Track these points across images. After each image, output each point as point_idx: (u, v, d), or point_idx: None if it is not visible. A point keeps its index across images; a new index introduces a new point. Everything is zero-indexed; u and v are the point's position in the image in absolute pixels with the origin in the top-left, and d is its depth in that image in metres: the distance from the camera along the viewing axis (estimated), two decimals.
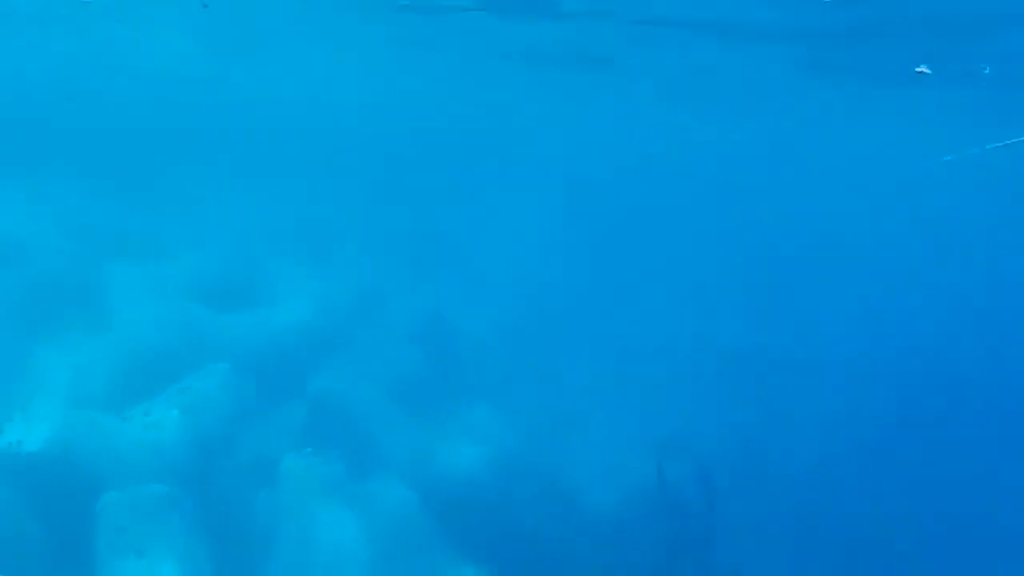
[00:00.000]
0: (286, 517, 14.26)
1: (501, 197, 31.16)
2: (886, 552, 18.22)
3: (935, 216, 42.10)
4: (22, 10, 22.84)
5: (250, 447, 15.31)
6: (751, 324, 22.80)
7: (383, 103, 36.30)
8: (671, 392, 18.87)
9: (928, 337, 24.52)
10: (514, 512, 15.59)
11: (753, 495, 17.68)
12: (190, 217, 20.44)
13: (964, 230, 41.47)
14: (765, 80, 21.41)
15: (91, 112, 30.97)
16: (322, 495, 14.62)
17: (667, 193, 41.16)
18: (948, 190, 36.98)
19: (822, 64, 18.89)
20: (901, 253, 33.69)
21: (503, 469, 16.12)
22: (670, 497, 16.27)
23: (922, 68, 16.36)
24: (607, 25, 17.24)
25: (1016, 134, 17.17)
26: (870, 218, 42.07)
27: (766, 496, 17.50)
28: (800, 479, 18.22)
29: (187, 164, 23.72)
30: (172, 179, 22.53)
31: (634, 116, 30.48)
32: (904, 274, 29.21)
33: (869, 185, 43.40)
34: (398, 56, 23.90)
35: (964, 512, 18.25)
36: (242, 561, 13.52)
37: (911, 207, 43.32)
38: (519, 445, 16.70)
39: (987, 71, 16.12)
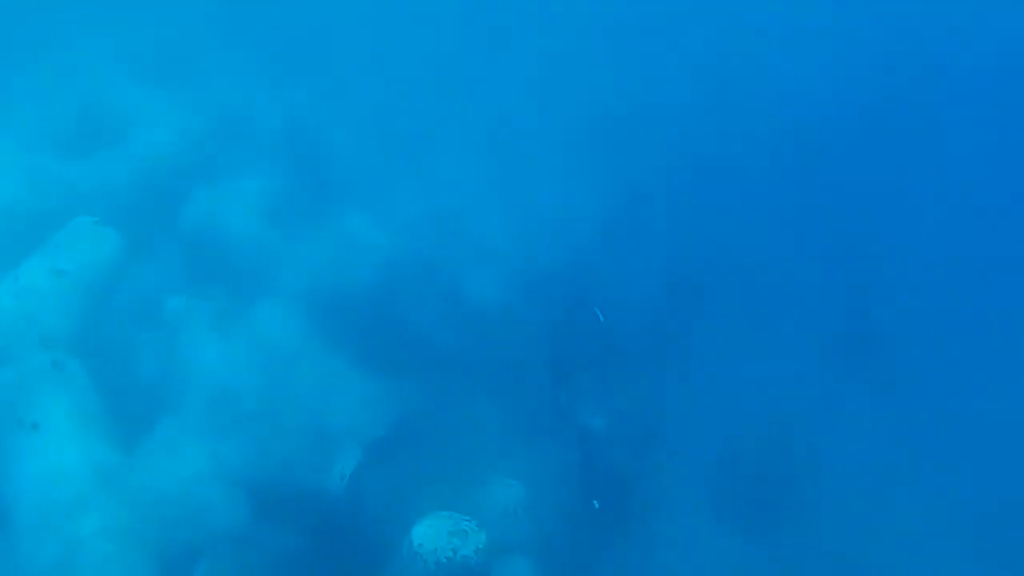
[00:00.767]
0: (175, 359, 14.53)
1: None
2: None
3: None
4: None
5: (130, 296, 15.33)
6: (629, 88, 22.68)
7: None
8: (548, 172, 19.09)
9: None
10: (403, 317, 16.01)
11: (631, 260, 18.36)
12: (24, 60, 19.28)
13: None
14: None
15: None
16: (208, 331, 14.86)
17: None
18: None
19: None
20: None
21: (388, 276, 16.33)
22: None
23: None
24: None
25: None
26: None
27: (644, 264, 18.20)
28: (676, 241, 18.94)
29: None
30: None
31: None
32: None
33: None
34: None
35: None
36: (139, 412, 13.87)
37: None
38: (402, 249, 16.79)
39: None
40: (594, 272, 17.57)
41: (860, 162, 22.38)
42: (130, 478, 12.75)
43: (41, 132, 17.57)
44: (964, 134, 23.69)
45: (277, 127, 19.02)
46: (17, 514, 12.28)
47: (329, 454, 13.94)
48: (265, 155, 18.17)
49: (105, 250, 15.10)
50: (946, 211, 21.61)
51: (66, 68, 19.22)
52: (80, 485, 12.44)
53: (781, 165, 21.41)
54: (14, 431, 12.74)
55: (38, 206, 15.89)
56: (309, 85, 20.49)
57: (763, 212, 20.25)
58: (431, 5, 23.71)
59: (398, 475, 14.09)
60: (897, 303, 19.68)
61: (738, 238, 19.46)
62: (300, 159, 18.20)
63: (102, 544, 12.03)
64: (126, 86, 18.95)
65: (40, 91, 18.52)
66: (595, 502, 14.65)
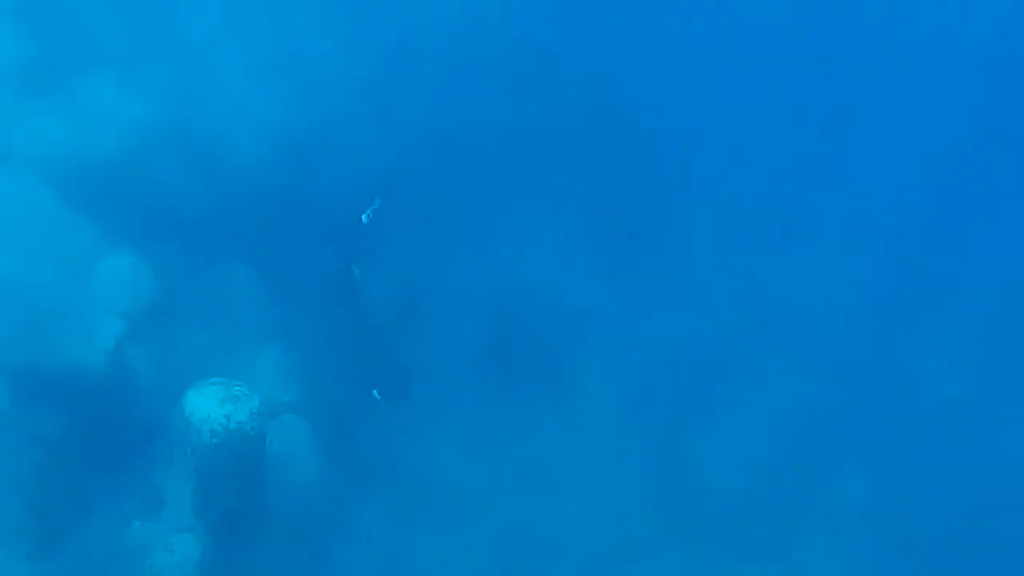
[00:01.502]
0: None
1: None
2: None
3: None
4: None
5: None
6: None
7: None
8: (307, 27, 18.42)
9: None
10: (158, 185, 15.57)
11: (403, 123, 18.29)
12: None
13: None
14: None
15: None
16: None
17: None
18: None
19: None
20: None
21: (139, 142, 15.68)
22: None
23: None
24: None
25: None
26: None
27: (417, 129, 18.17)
28: None
29: None
30: None
31: None
32: None
33: None
34: None
35: None
36: None
37: None
38: (153, 114, 16.03)
39: None
40: (359, 135, 17.45)
41: (655, 40, 22.09)
42: None
43: None
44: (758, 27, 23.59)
45: None
46: None
47: (90, 330, 13.71)
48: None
49: None
50: (734, 105, 22.12)
51: None
52: None
53: (574, 25, 20.70)
54: None
55: None
56: None
57: (550, 82, 20.07)
58: None
59: (164, 345, 14.06)
60: (673, 192, 20.57)
61: (520, 105, 19.52)
62: (34, 20, 16.82)
63: None
64: None
65: None
66: (375, 392, 15.16)
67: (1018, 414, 18.57)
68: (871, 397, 18.71)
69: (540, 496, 15.53)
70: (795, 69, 20.89)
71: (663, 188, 20.55)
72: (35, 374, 12.99)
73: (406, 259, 16.74)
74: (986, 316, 19.46)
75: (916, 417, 18.41)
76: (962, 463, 17.80)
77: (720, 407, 17.78)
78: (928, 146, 20.59)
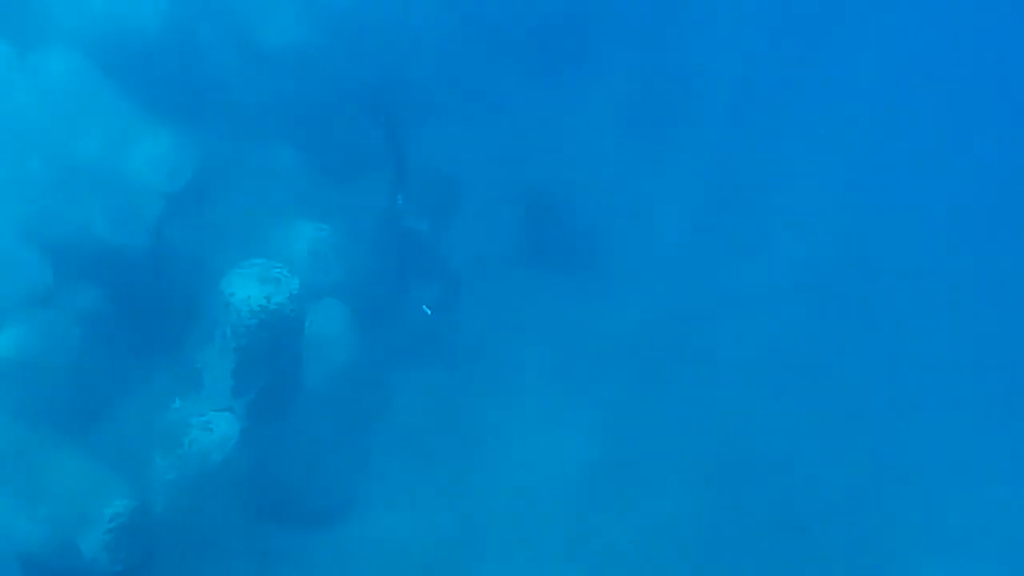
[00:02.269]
0: None
1: None
2: None
3: None
4: None
5: None
6: None
7: None
8: None
9: None
10: (199, 63, 15.32)
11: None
12: None
13: None
14: None
15: None
16: None
17: None
18: None
19: None
20: None
21: (181, 18, 15.36)
22: None
23: None
24: None
25: None
26: None
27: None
28: None
29: None
30: None
31: None
32: None
33: None
34: None
35: None
36: None
37: None
38: None
39: None
40: (392, 14, 17.00)
41: None
42: None
43: None
44: None
45: None
46: None
47: (130, 208, 13.61)
48: None
49: None
50: None
51: None
52: None
53: None
54: None
55: None
56: None
57: None
58: None
59: (204, 225, 13.96)
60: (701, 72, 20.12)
61: None
62: None
63: None
64: None
65: None
66: (425, 308, 15.02)
67: None
68: None
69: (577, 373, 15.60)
70: None
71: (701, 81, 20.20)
72: (76, 251, 12.97)
73: (445, 139, 16.43)
74: None
75: None
76: None
77: (747, 298, 17.42)
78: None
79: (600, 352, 16.01)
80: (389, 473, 13.68)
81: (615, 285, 17.16)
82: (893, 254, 19.45)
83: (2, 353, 12.07)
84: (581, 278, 17.03)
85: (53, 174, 13.43)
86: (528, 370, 15.45)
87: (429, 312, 15.07)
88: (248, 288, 12.20)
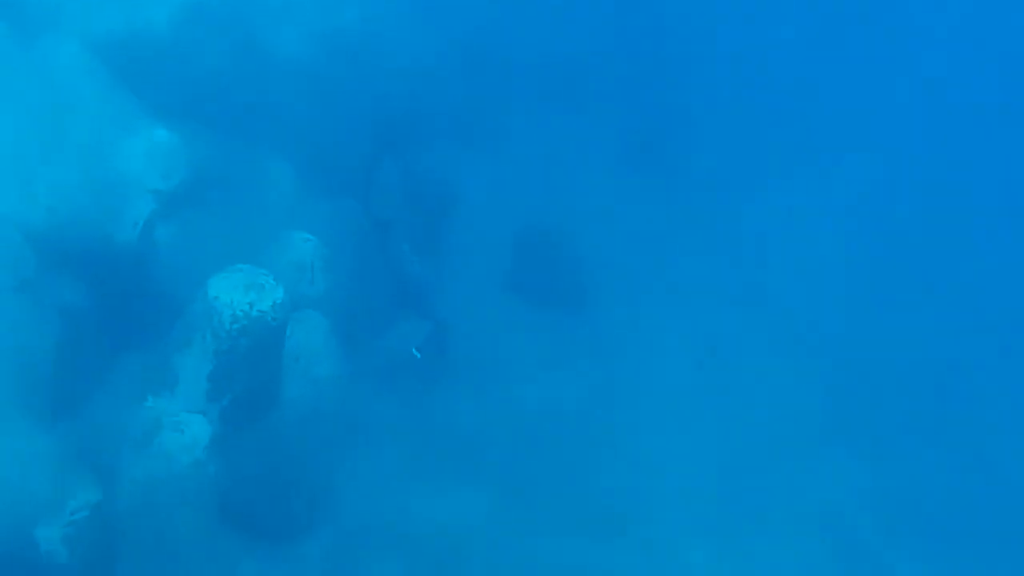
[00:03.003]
0: None
1: None
2: None
3: None
4: None
5: None
6: None
7: None
8: None
9: None
10: (199, 65, 15.33)
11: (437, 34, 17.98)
12: None
13: None
14: None
15: None
16: None
17: None
18: None
19: None
20: None
21: (185, 19, 15.44)
22: None
23: None
24: None
25: None
26: None
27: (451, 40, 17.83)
28: None
29: None
30: None
31: None
32: None
33: None
34: None
35: None
36: None
37: None
38: None
39: None
40: (394, 35, 17.16)
41: None
42: None
43: None
44: None
45: None
46: None
47: (120, 203, 13.56)
48: None
49: None
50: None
51: None
52: None
53: None
54: None
55: None
56: None
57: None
58: None
59: (192, 227, 13.92)
60: (694, 109, 20.38)
61: (551, 18, 19.33)
62: None
63: None
64: None
65: None
66: (415, 350, 14.96)
67: None
68: None
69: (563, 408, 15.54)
70: None
71: (693, 109, 20.47)
72: (61, 243, 12.88)
73: (437, 158, 16.48)
74: None
75: None
76: None
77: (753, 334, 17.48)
78: None
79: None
80: (357, 491, 13.54)
81: (607, 324, 17.10)
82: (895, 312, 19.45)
83: None
84: (572, 316, 17.01)
85: (44, 162, 13.35)
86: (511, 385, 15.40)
87: (418, 355, 14.98)
88: (232, 293, 12.13)
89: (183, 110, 14.57)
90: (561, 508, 14.06)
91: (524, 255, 17.14)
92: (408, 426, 14.49)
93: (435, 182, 16.05)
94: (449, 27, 18.05)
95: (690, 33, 21.44)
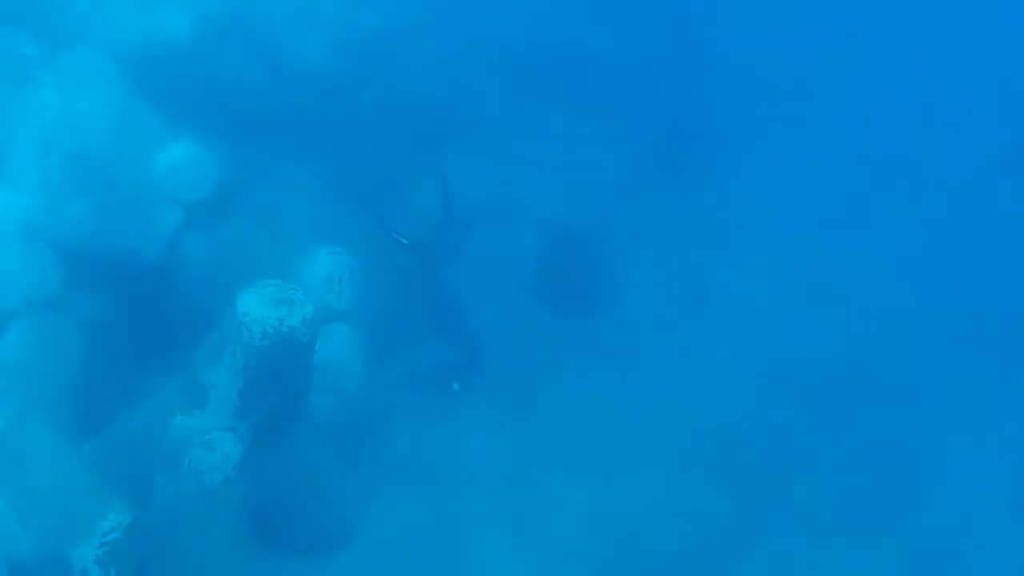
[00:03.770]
0: None
1: None
2: None
3: None
4: None
5: None
6: None
7: None
8: None
9: None
10: (224, 76, 15.24)
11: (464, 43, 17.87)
12: None
13: None
14: None
15: None
16: (10, 83, 13.77)
17: None
18: None
19: None
20: None
21: (210, 30, 15.30)
22: None
23: None
24: None
25: None
26: None
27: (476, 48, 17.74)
28: None
29: None
30: None
31: None
32: None
33: None
34: None
35: None
36: None
37: None
38: (222, 2, 15.74)
39: None
40: (417, 41, 17.03)
41: None
42: None
43: None
44: None
45: None
46: None
47: (148, 216, 13.48)
48: None
49: None
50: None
51: None
52: None
53: None
54: None
55: None
56: None
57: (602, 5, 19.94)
58: None
59: (221, 241, 13.85)
60: (721, 112, 20.25)
61: (572, 25, 19.22)
62: None
63: None
64: None
65: None
66: (455, 384, 14.80)
67: None
68: None
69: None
70: None
71: (719, 111, 20.32)
72: (89, 257, 12.82)
73: (462, 167, 16.35)
74: None
75: None
76: None
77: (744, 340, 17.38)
78: None
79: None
80: (388, 507, 13.45)
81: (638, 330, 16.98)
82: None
83: (4, 355, 11.89)
84: (604, 325, 16.87)
85: (71, 176, 13.27)
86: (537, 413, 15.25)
87: (457, 388, 14.86)
88: (262, 308, 11.97)
89: (209, 122, 14.45)
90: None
91: (553, 263, 16.99)
92: (434, 447, 14.31)
93: (461, 190, 15.85)
94: (473, 31, 17.93)
95: (716, 31, 21.21)
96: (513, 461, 14.59)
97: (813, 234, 19.75)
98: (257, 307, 11.96)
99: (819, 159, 21.29)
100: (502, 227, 16.95)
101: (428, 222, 15.01)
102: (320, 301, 12.90)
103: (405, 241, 14.55)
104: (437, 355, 14.95)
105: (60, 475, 11.13)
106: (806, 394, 16.90)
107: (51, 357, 12.08)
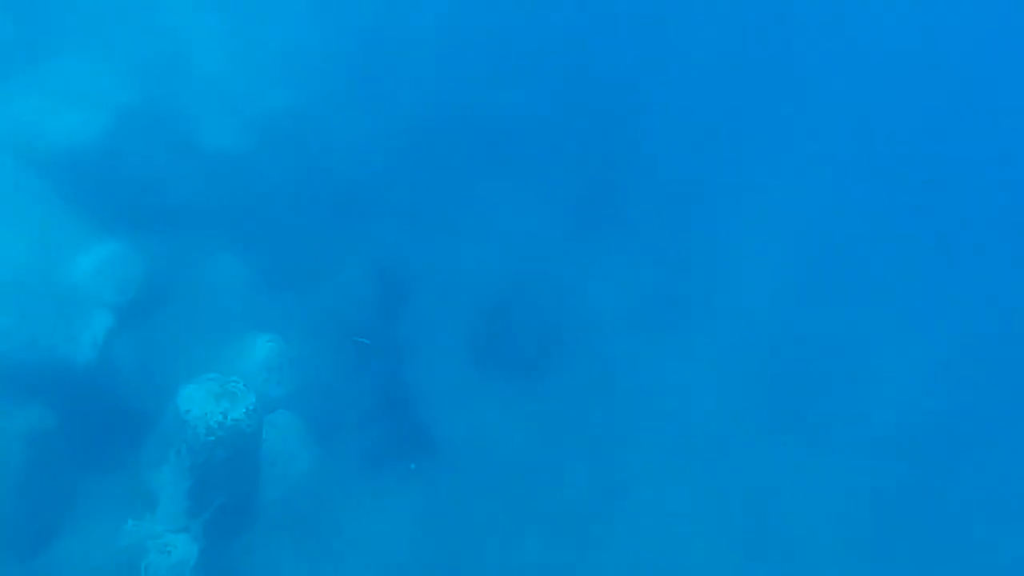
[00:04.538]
0: None
1: None
2: None
3: None
4: None
5: None
6: None
7: None
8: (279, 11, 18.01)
9: None
10: (136, 170, 15.11)
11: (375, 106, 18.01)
12: None
13: None
14: None
15: None
16: None
17: None
18: None
19: None
20: None
21: (116, 125, 15.20)
22: None
23: None
24: None
25: None
26: None
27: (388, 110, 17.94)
28: None
29: None
30: None
31: None
32: None
33: None
34: None
35: None
36: None
37: None
38: (129, 96, 15.65)
39: None
40: (333, 117, 17.14)
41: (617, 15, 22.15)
42: None
43: None
44: None
45: None
46: None
47: (76, 322, 13.30)
48: None
49: None
50: (700, 66, 22.18)
51: None
52: None
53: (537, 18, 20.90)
54: None
55: None
56: None
57: (513, 65, 20.22)
58: None
59: (155, 338, 13.71)
60: (644, 160, 20.65)
61: (487, 90, 19.44)
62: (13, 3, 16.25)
63: None
64: None
65: None
66: (412, 464, 14.82)
67: None
68: None
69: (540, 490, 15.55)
70: None
71: (641, 175, 20.70)
72: (22, 368, 12.60)
73: (391, 243, 16.46)
74: None
75: None
76: None
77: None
78: None
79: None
80: None
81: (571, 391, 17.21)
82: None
83: None
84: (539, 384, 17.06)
85: None
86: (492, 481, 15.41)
87: (414, 467, 14.87)
88: (204, 403, 12.02)
89: (131, 219, 14.36)
90: None
91: (496, 329, 17.10)
92: (390, 523, 14.32)
93: (391, 267, 16.01)
94: (392, 105, 18.02)
95: (630, 89, 21.59)
96: (471, 541, 14.65)
97: (754, 300, 20.12)
98: (199, 403, 12.00)
99: (740, 192, 21.50)
100: (441, 298, 16.96)
101: (359, 301, 15.10)
102: (261, 390, 12.94)
103: (368, 343, 14.72)
104: (387, 434, 14.91)
105: None
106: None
107: None
